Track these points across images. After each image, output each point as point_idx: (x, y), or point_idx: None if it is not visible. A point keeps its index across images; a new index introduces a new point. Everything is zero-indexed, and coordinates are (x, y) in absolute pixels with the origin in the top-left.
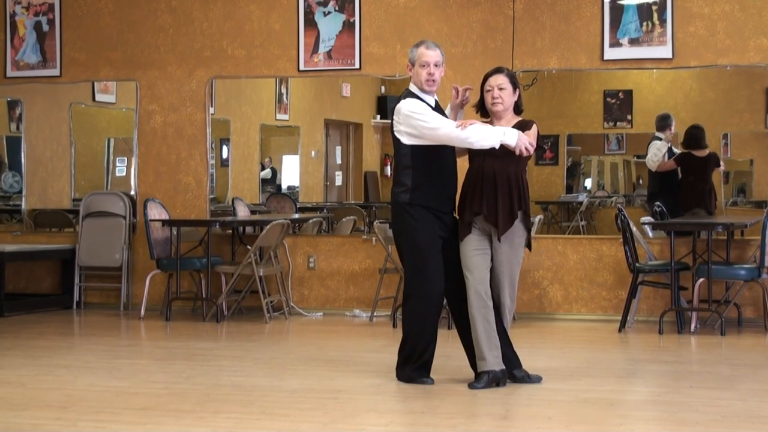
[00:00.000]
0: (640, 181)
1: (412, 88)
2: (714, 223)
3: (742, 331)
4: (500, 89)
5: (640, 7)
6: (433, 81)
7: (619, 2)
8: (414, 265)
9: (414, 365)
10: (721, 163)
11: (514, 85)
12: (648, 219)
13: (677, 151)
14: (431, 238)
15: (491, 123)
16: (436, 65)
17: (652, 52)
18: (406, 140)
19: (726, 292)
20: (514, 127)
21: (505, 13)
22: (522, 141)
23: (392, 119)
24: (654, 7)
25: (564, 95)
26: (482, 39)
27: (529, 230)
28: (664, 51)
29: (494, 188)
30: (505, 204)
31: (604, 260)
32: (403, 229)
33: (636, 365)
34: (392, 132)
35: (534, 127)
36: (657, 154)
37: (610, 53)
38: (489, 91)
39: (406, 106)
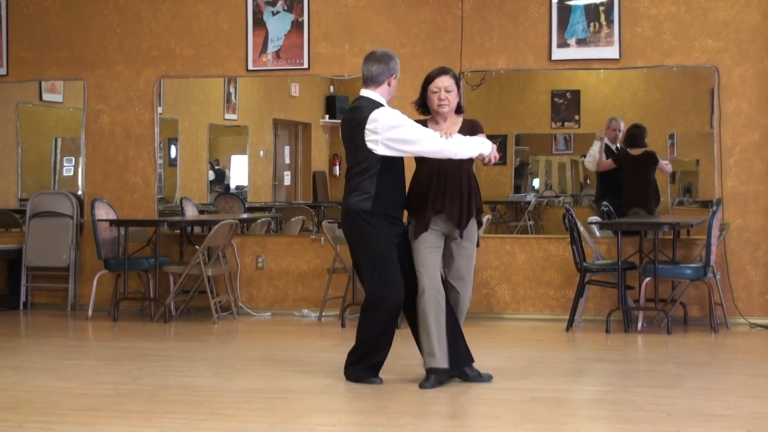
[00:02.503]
0: (588, 181)
1: (378, 97)
2: (660, 222)
3: (688, 329)
4: (447, 91)
5: (587, 8)
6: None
7: (566, 3)
8: (377, 275)
9: (369, 372)
10: (663, 162)
11: (459, 86)
12: (595, 219)
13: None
14: (391, 247)
15: (434, 122)
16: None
17: (599, 53)
18: (382, 151)
19: (672, 291)
20: (462, 127)
21: (453, 13)
22: (493, 150)
23: (359, 126)
24: (601, 8)
25: (512, 95)
26: (431, 39)
27: (480, 226)
28: (611, 51)
29: (456, 186)
30: (464, 201)
31: (552, 260)
32: (362, 239)
33: (583, 364)
34: (358, 139)
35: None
36: (592, 154)
37: (558, 53)
38: (435, 92)
39: (387, 117)
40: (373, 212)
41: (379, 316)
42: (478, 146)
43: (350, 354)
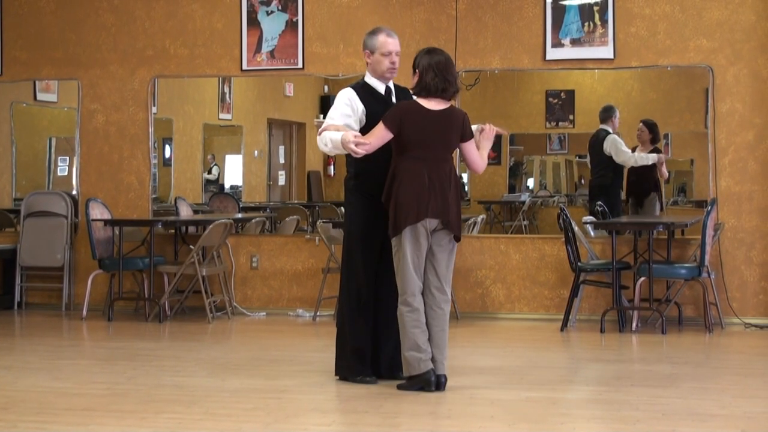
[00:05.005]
0: (582, 181)
1: (368, 77)
2: (655, 222)
3: (682, 329)
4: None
5: (581, 8)
6: (395, 69)
7: (560, 3)
8: (348, 256)
9: (353, 362)
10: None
11: (415, 68)
12: (590, 218)
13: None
14: (367, 230)
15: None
16: (397, 54)
17: (593, 53)
18: None
19: (667, 291)
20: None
21: (447, 13)
22: (347, 144)
23: None
24: (595, 8)
25: (506, 95)
26: (425, 39)
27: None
28: (606, 51)
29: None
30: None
31: (547, 259)
32: (346, 217)
33: (578, 364)
34: None
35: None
36: (624, 148)
37: (552, 53)
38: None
39: (339, 94)
40: (356, 191)
41: (346, 298)
42: (337, 143)
43: (335, 345)
